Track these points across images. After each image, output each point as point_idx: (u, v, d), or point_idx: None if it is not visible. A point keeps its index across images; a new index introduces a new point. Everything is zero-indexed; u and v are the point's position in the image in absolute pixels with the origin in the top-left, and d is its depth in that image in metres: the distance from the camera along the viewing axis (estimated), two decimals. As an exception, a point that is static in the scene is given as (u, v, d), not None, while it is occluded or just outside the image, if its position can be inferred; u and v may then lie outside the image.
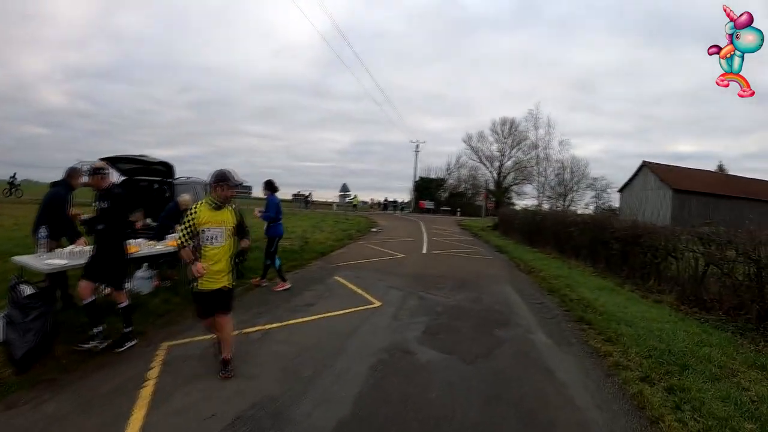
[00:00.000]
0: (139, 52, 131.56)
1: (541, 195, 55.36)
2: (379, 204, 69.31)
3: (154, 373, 4.75)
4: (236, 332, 5.90)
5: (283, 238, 10.32)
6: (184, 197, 9.13)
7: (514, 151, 76.32)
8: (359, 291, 9.24)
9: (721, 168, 63.26)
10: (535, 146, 59.40)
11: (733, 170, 61.79)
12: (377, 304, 8.28)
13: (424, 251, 17.29)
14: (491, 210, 60.76)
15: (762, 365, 6.07)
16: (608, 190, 65.27)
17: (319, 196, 56.50)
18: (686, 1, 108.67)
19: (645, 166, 49.42)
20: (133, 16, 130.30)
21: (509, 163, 77.49)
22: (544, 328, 7.49)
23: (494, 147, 77.84)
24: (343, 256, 14.21)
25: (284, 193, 61.14)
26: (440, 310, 8.10)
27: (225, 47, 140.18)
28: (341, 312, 7.55)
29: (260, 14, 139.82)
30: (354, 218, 32.88)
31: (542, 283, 11.74)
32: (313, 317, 7.19)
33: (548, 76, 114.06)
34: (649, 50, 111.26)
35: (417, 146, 72.84)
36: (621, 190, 53.70)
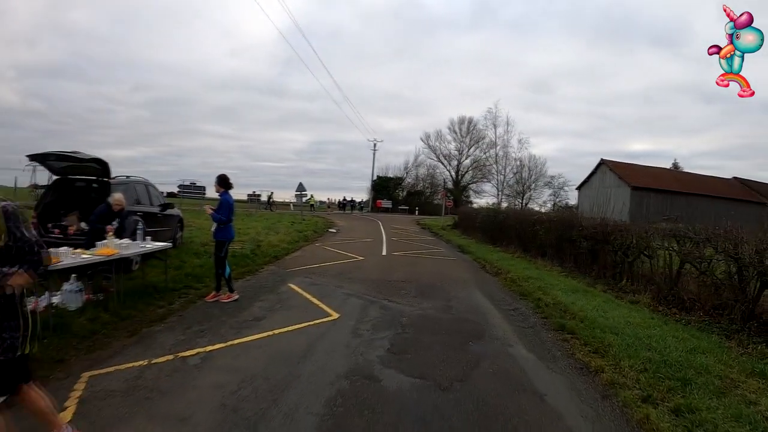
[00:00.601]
0: (92, 48, 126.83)
1: (500, 193, 55.11)
2: (337, 204, 66.59)
3: (66, 415, 3.68)
4: (172, 356, 5.02)
5: (233, 241, 9.31)
6: (117, 196, 7.98)
7: (472, 149, 76.90)
8: (315, 301, 8.27)
9: (675, 165, 64.79)
10: (494, 144, 59.26)
11: (686, 168, 63.34)
12: (335, 316, 7.31)
13: (384, 253, 16.44)
14: (450, 209, 60.47)
15: (761, 372, 5.63)
16: (565, 188, 66.26)
17: (278, 196, 55.14)
18: (639, 4, 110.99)
19: (603, 164, 50.17)
20: (85, 11, 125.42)
21: (467, 161, 78.00)
22: (523, 339, 6.71)
23: (452, 146, 78.40)
24: (298, 260, 13.19)
25: (239, 193, 60.08)
26: (406, 322, 7.20)
27: (180, 45, 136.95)
28: (294, 327, 6.55)
29: (216, 11, 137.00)
30: (311, 219, 31.79)
31: (512, 286, 11.09)
32: (262, 335, 6.17)
33: (505, 77, 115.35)
34: (603, 52, 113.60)
35: (375, 145, 72.30)
36: (579, 188, 54.29)
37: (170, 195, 46.00)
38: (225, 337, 6.02)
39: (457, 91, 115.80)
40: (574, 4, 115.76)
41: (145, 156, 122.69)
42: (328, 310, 7.60)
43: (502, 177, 58.39)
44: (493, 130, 60.89)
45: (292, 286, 9.48)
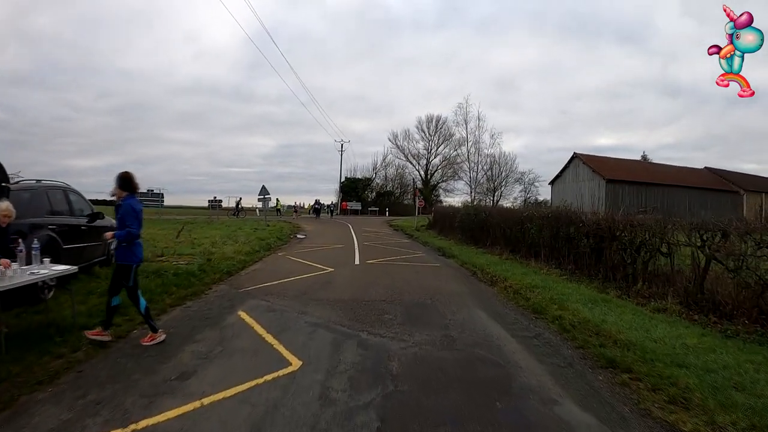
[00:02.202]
0: (55, 55, 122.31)
1: (473, 191, 53.52)
2: (310, 209, 59.00)
3: None
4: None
5: (181, 256, 7.17)
6: (2, 206, 5.94)
7: (441, 148, 76.46)
8: (269, 338, 6.10)
9: (644, 158, 64.49)
10: (465, 141, 57.65)
11: (654, 160, 63.48)
12: (295, 364, 5.16)
13: (357, 261, 14.30)
14: (422, 208, 58.96)
15: None
16: (536, 183, 65.73)
17: (246, 201, 52.58)
18: (601, 1, 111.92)
19: (576, 157, 50.11)
20: (48, 17, 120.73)
21: (436, 160, 77.71)
22: (567, 388, 4.73)
23: (420, 145, 78.50)
24: (255, 276, 11.00)
25: (203, 200, 57.47)
26: (397, 370, 5.11)
27: (143, 50, 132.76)
28: (235, 390, 4.40)
29: (179, 16, 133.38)
30: (275, 225, 29.48)
31: (518, 299, 9.23)
32: (183, 408, 4.03)
33: (471, 76, 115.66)
34: (568, 49, 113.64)
35: (342, 146, 70.35)
36: (552, 183, 54.01)
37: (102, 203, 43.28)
38: (128, 414, 3.91)
39: (424, 90, 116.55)
40: (541, 2, 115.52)
41: (110, 165, 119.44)
42: (287, 355, 5.47)
43: (474, 174, 56.68)
44: (464, 126, 59.26)
45: (243, 314, 7.33)
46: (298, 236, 23.71)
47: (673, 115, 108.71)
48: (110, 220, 11.37)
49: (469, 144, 58.96)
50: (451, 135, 72.84)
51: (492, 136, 57.65)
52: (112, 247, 11.16)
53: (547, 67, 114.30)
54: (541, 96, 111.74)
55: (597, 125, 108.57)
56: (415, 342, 6.16)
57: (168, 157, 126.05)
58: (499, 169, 66.14)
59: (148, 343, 5.78)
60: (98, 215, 10.25)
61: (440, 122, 76.15)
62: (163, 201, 39.18)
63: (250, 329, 6.54)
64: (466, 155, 61.46)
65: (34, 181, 8.80)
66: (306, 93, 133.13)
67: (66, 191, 9.42)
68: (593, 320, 7.21)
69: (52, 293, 7.72)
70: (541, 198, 67.26)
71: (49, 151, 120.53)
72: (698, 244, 9.13)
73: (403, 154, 79.23)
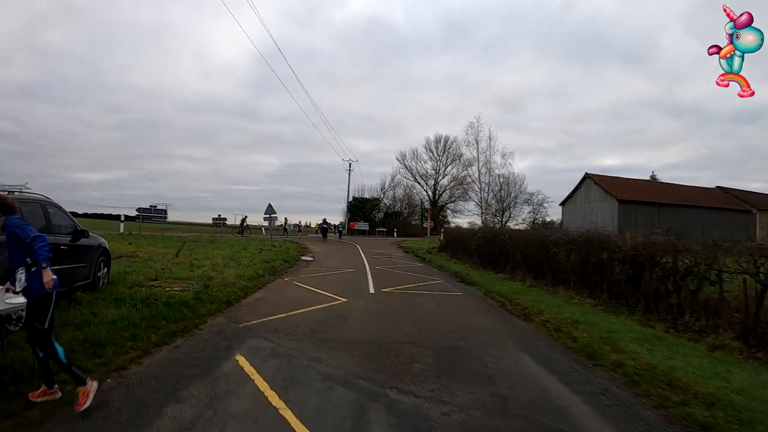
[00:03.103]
0: (65, 70, 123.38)
1: (484, 212, 52.19)
2: (318, 228, 54.39)
3: None
4: None
5: (177, 280, 5.94)
6: None
7: (449, 168, 75.73)
8: (274, 398, 4.76)
9: (654, 178, 63.05)
10: (476, 161, 56.44)
11: (662, 180, 62.25)
12: (309, 442, 3.90)
13: (372, 289, 12.93)
14: (430, 230, 57.80)
15: None
16: (545, 204, 64.68)
17: (252, 220, 51.37)
18: (607, 23, 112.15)
19: (588, 178, 49.50)
20: (58, 32, 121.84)
21: (444, 180, 76.97)
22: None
23: (428, 165, 78.43)
24: (258, 307, 9.69)
25: (207, 217, 56.22)
26: (446, 456, 3.81)
27: (153, 67, 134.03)
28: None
29: (189, 34, 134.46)
30: (282, 245, 28.25)
31: (563, 338, 8.07)
32: None
33: (477, 97, 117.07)
34: (573, 70, 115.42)
35: (350, 165, 69.18)
36: (563, 203, 53.07)
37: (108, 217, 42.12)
38: None
39: (430, 111, 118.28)
40: (545, 25, 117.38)
41: (119, 179, 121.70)
42: (297, 426, 4.16)
43: (485, 194, 55.41)
44: (475, 145, 58.11)
45: (241, 359, 6.02)
46: (306, 258, 22.45)
47: (678, 135, 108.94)
48: (97, 239, 10.22)
49: (480, 164, 57.69)
50: (460, 155, 71.93)
51: (503, 156, 56.19)
52: (100, 272, 10.00)
53: (552, 89, 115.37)
54: (546, 117, 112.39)
55: (602, 146, 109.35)
56: (459, 405, 4.84)
57: (176, 173, 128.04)
58: (508, 190, 65.01)
59: (37, 400, 4.44)
60: (83, 233, 9.09)
61: (448, 142, 75.61)
62: (166, 217, 38.02)
63: (249, 382, 5.24)
64: (476, 175, 60.14)
65: (5, 192, 7.63)
66: (313, 113, 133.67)
67: (43, 205, 8.23)
68: (659, 367, 6.15)
69: (19, 327, 6.50)
70: (548, 219, 66.29)
71: (57, 164, 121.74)
72: (752, 271, 8.21)
73: (411, 174, 78.99)
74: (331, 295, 11.49)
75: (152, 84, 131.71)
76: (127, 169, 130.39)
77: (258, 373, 5.54)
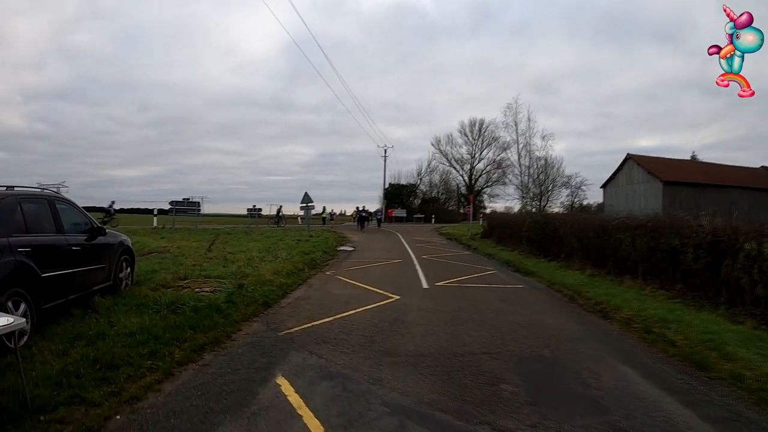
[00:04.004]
0: (96, 71, 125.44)
1: (524, 196, 50.16)
2: (353, 217, 50.98)
3: None
4: None
5: (208, 279, 5.27)
6: None
7: (485, 152, 74.01)
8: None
9: (694, 158, 59.86)
10: (516, 143, 54.25)
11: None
12: None
13: (425, 284, 11.52)
14: (467, 215, 56.47)
15: None
16: (583, 187, 62.42)
17: (287, 209, 50.47)
18: (637, 2, 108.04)
19: (630, 159, 47.70)
20: (88, 34, 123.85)
21: (480, 165, 75.81)
22: None
23: (464, 149, 76.96)
24: (300, 308, 8.46)
25: (241, 208, 55.69)
26: None
27: (183, 63, 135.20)
28: None
29: (218, 28, 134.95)
30: (320, 234, 27.15)
31: (658, 342, 6.74)
32: None
33: (508, 80, 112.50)
34: (605, 50, 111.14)
35: (385, 151, 67.75)
36: (604, 186, 51.09)
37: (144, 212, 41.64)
38: None
39: (461, 97, 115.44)
40: (574, 5, 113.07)
41: (153, 175, 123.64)
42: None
43: (526, 178, 53.29)
44: (514, 127, 55.98)
45: (284, 384, 4.77)
46: (345, 248, 21.25)
47: (715, 115, 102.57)
48: (118, 236, 9.14)
49: (520, 146, 55.54)
50: (496, 138, 69.80)
51: (543, 138, 53.85)
52: (122, 273, 8.94)
53: (585, 70, 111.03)
54: (579, 99, 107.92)
55: (638, 127, 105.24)
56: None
57: (209, 166, 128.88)
58: (546, 173, 62.69)
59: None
60: (99, 231, 8.00)
61: (483, 126, 73.45)
62: (200, 210, 37.23)
63: (296, 420, 3.97)
64: (516, 158, 57.97)
65: (4, 188, 6.54)
66: (347, 101, 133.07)
67: (51, 201, 7.14)
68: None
69: (23, 341, 5.43)
70: (585, 202, 63.91)
71: (92, 162, 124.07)
72: None
73: (447, 159, 77.34)
74: (380, 291, 10.18)
75: (182, 80, 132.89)
76: (161, 164, 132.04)
77: (306, 404, 4.28)
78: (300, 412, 4.14)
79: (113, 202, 35.71)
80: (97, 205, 38.46)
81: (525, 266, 15.23)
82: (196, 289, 9.03)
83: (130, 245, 9.45)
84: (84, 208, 8.47)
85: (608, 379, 5.23)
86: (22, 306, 5.60)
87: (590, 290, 10.37)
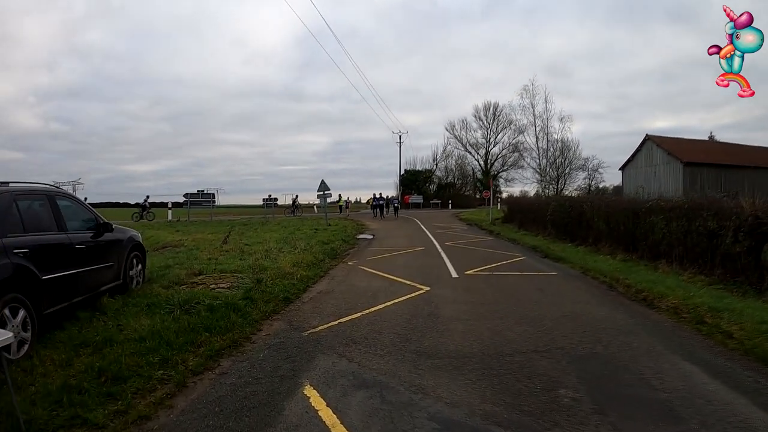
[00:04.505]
0: (108, 67, 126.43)
1: (543, 179, 49.06)
2: (369, 204, 48.25)
3: None
4: None
5: (224, 274, 5.70)
6: None
7: (500, 136, 73.37)
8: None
9: (711, 138, 58.21)
10: (533, 125, 53.07)
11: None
12: None
13: (454, 273, 10.81)
14: (486, 199, 55.72)
15: None
16: (600, 169, 61.20)
17: (303, 198, 50.14)
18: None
19: (649, 140, 45.97)
20: (99, 32, 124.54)
21: (495, 149, 75.02)
22: None
23: (479, 134, 75.78)
24: (324, 303, 7.86)
25: (257, 198, 55.37)
26: None
27: (195, 56, 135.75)
28: None
29: (228, 21, 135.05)
30: (338, 223, 26.56)
31: (714, 334, 6.10)
32: None
33: (522, 64, 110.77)
34: (619, 31, 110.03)
35: (400, 137, 66.87)
36: (623, 168, 49.81)
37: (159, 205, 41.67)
38: None
39: (475, 81, 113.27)
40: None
41: (169, 168, 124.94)
42: None
43: (544, 161, 52.14)
44: (531, 109, 54.82)
45: (313, 396, 4.15)
46: (365, 236, 20.67)
47: (731, 95, 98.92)
48: (127, 232, 8.60)
49: (537, 129, 54.38)
50: (511, 122, 68.66)
51: (561, 120, 52.52)
52: (132, 271, 8.40)
53: (599, 51, 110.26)
54: (594, 81, 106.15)
55: (653, 108, 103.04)
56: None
57: (224, 158, 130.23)
58: (564, 156, 61.47)
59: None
60: (106, 227, 7.44)
61: (498, 109, 72.33)
62: (214, 201, 36.86)
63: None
64: (534, 141, 56.84)
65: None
66: (360, 88, 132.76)
67: (51, 197, 6.57)
68: None
69: (24, 351, 4.95)
70: (601, 185, 62.69)
71: (108, 158, 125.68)
72: None
73: (461, 143, 76.30)
74: (408, 282, 9.54)
75: (195, 74, 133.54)
76: (177, 158, 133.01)
77: (341, 420, 3.67)
78: (333, 429, 3.53)
79: (148, 197, 36.08)
80: (117, 201, 38.46)
81: (553, 252, 14.58)
82: (212, 286, 8.45)
83: (141, 241, 8.90)
84: (109, 204, 7.94)
85: (673, 379, 4.57)
86: (21, 313, 5.03)
87: (629, 277, 9.75)
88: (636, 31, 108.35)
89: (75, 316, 6.22)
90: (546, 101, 49.63)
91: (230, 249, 13.78)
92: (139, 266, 8.63)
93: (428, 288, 8.91)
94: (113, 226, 7.70)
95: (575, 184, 60.90)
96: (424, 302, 7.82)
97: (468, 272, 10.85)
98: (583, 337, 5.95)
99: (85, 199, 24.92)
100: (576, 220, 17.87)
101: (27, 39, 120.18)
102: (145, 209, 34.05)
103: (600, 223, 15.97)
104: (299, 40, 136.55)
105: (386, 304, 7.67)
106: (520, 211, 26.82)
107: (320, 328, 6.30)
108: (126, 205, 59.22)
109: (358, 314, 7.00)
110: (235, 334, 5.85)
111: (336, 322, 6.55)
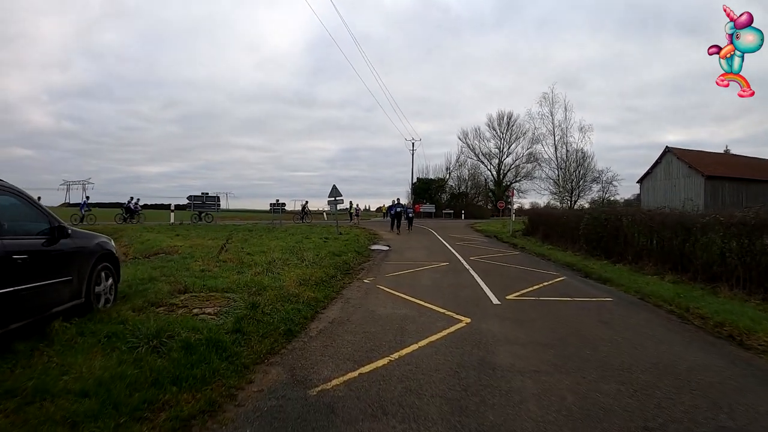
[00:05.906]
0: (121, 68, 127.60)
1: (562, 190, 47.28)
2: (384, 212, 48.26)
3: None
4: None
5: (214, 291, 5.70)
6: None
7: (513, 146, 74.01)
8: None
9: (727, 152, 56.51)
10: (552, 134, 51.19)
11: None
12: None
13: (494, 298, 8.91)
14: (501, 210, 54.09)
15: None
16: (614, 182, 59.55)
17: (312, 205, 48.93)
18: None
19: (669, 152, 44.51)
20: (113, 33, 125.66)
21: (508, 159, 75.07)
22: None
23: (492, 143, 75.56)
24: (337, 340, 6.03)
25: (265, 204, 53.93)
26: None
27: (208, 59, 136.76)
28: None
29: (241, 26, 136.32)
30: (349, 231, 24.83)
31: None
32: None
33: (533, 74, 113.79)
34: (630, 43, 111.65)
35: (413, 145, 65.59)
36: (641, 181, 48.55)
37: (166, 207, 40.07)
38: None
39: (486, 90, 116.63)
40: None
41: (179, 171, 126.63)
42: None
43: (563, 172, 50.23)
44: (550, 118, 52.93)
45: None
46: (379, 247, 18.96)
47: (743, 108, 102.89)
48: (94, 239, 6.88)
49: (557, 139, 52.47)
50: (525, 132, 67.44)
51: (581, 129, 50.54)
52: (99, 287, 6.71)
53: (611, 63, 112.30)
54: (605, 93, 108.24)
55: (664, 121, 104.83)
56: None
57: (234, 162, 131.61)
58: (584, 167, 59.81)
59: None
60: (62, 231, 5.77)
61: (512, 119, 71.31)
62: (219, 205, 35.38)
63: None
64: (552, 151, 54.97)
65: None
66: (372, 95, 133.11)
67: (14, 193, 4.96)
68: None
69: None
70: (614, 197, 61.02)
71: (119, 159, 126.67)
72: None
73: (474, 153, 75.75)
74: (440, 309, 7.74)
75: (207, 77, 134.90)
76: (187, 160, 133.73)
77: None
78: None
79: (136, 199, 33.70)
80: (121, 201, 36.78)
81: (593, 270, 13.00)
82: (195, 310, 6.63)
83: (113, 249, 7.18)
84: (118, 205, 6.28)
85: None
86: None
87: (701, 306, 8.16)
88: (647, 43, 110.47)
89: (10, 348, 4.54)
90: (566, 110, 47.89)
91: (229, 258, 12.03)
92: (110, 281, 6.87)
93: (469, 320, 7.07)
94: (71, 230, 6.00)
95: (589, 197, 59.40)
96: (469, 342, 5.96)
97: (510, 297, 9.02)
98: (695, 401, 4.21)
99: (39, 198, 23.22)
100: (612, 235, 16.40)
101: (42, 38, 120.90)
102: (130, 211, 31.88)
103: (641, 239, 14.72)
104: (311, 46, 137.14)
105: (420, 344, 5.82)
106: (544, 223, 25.20)
107: (334, 383, 4.47)
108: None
109: (385, 360, 5.17)
110: (213, 391, 4.09)
111: (356, 374, 4.73)
